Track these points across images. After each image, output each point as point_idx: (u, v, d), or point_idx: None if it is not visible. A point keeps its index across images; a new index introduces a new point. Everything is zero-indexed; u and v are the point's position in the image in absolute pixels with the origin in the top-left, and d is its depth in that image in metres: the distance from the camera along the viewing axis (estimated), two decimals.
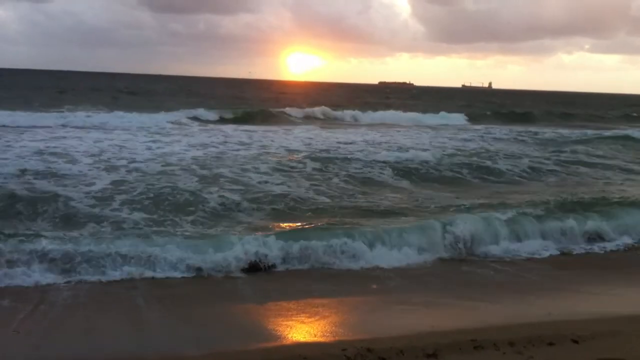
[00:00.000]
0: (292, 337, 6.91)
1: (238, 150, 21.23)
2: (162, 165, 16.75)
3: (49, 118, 30.21)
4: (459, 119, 45.28)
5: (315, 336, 6.93)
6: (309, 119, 40.17)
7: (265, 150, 21.15)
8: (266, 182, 15.17)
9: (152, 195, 12.80)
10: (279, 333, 6.97)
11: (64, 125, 27.88)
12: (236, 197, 13.06)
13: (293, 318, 7.41)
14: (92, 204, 12.01)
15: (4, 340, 6.48)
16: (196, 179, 14.92)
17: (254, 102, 55.29)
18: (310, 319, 7.40)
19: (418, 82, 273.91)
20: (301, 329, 7.13)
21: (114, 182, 14.11)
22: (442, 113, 46.89)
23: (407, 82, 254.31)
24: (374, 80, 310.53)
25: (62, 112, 33.83)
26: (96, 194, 12.83)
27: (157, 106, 39.79)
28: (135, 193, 12.95)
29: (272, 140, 24.80)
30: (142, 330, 6.94)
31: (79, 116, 31.50)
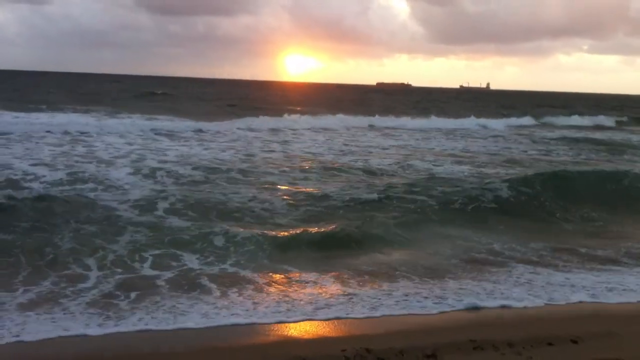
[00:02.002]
0: (290, 336, 6.89)
1: None
2: None
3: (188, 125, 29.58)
4: (527, 121, 45.66)
5: (314, 336, 6.92)
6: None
7: None
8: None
9: None
10: (277, 332, 6.96)
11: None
12: None
13: (292, 317, 7.39)
14: None
15: None
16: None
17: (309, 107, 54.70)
18: (309, 319, 7.39)
19: (415, 83, 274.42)
20: (300, 329, 7.12)
21: None
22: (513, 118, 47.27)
23: (405, 83, 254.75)
24: (371, 81, 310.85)
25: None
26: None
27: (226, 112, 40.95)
28: None
29: None
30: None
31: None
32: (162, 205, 12.43)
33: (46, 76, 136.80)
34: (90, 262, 9.06)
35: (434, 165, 20.21)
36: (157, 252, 9.65)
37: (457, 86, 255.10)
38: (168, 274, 8.73)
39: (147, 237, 10.28)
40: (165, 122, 31.03)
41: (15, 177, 14.51)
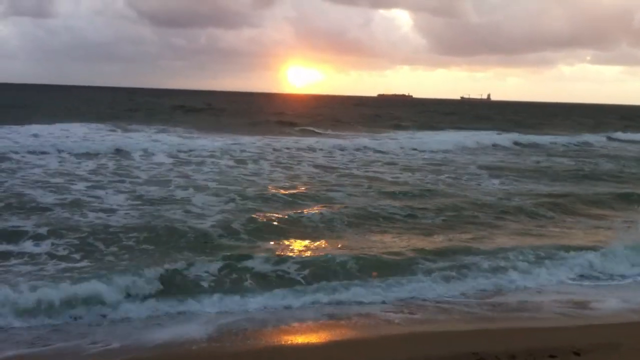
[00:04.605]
0: (283, 351, 6.87)
1: None
2: None
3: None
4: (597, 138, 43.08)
5: (313, 344, 6.91)
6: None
7: None
8: None
9: None
10: (267, 343, 6.91)
11: None
12: None
13: (286, 333, 7.38)
14: None
15: None
16: None
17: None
18: (308, 325, 7.39)
19: (417, 94, 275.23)
20: (290, 335, 7.11)
21: None
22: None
23: (407, 94, 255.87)
24: (373, 92, 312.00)
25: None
26: None
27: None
28: None
29: None
30: None
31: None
32: None
33: (53, 90, 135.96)
34: None
35: None
36: None
37: (458, 97, 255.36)
38: None
39: None
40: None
41: None
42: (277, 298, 8.43)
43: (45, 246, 10.12)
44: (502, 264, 10.14)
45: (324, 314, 7.94)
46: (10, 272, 8.82)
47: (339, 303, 8.38)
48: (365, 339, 7.11)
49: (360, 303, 8.38)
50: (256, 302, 8.23)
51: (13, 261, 9.40)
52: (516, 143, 35.87)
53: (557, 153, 32.18)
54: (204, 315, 7.74)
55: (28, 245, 10.15)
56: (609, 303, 8.71)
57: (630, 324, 7.84)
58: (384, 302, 8.47)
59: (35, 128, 29.09)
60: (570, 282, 9.86)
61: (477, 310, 8.26)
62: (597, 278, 10.08)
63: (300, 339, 7.17)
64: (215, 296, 8.33)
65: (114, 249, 10.23)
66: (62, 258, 9.65)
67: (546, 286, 9.56)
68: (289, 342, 7.05)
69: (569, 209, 15.23)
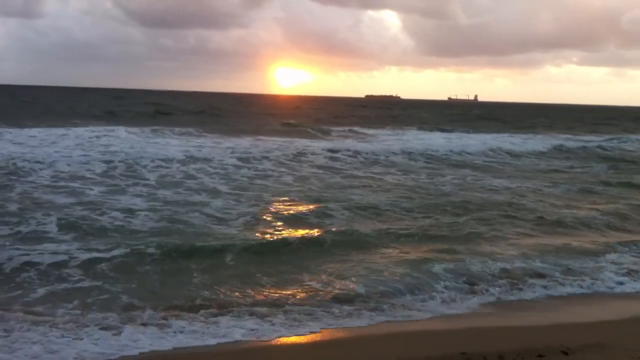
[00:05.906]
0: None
1: None
2: None
3: None
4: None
5: (302, 343, 7.05)
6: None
7: None
8: None
9: None
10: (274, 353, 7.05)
11: None
12: None
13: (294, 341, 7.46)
14: None
15: None
16: None
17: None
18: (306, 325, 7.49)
19: (404, 95, 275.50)
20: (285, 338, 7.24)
21: None
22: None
23: (394, 95, 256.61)
24: (360, 93, 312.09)
25: None
26: None
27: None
28: None
29: None
30: None
31: None
32: None
33: (42, 91, 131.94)
34: None
35: None
36: None
37: (446, 98, 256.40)
38: None
39: None
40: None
41: None
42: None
43: None
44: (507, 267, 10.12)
45: (313, 313, 7.98)
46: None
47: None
48: (353, 339, 7.19)
49: (349, 301, 8.42)
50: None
51: None
52: (557, 148, 33.35)
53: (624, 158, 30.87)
54: None
55: None
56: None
57: (617, 322, 7.97)
58: (371, 302, 8.51)
59: (33, 131, 28.26)
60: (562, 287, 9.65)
61: (465, 310, 8.38)
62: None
63: (288, 339, 7.23)
64: None
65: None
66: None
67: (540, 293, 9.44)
68: (277, 342, 7.14)
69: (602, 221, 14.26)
